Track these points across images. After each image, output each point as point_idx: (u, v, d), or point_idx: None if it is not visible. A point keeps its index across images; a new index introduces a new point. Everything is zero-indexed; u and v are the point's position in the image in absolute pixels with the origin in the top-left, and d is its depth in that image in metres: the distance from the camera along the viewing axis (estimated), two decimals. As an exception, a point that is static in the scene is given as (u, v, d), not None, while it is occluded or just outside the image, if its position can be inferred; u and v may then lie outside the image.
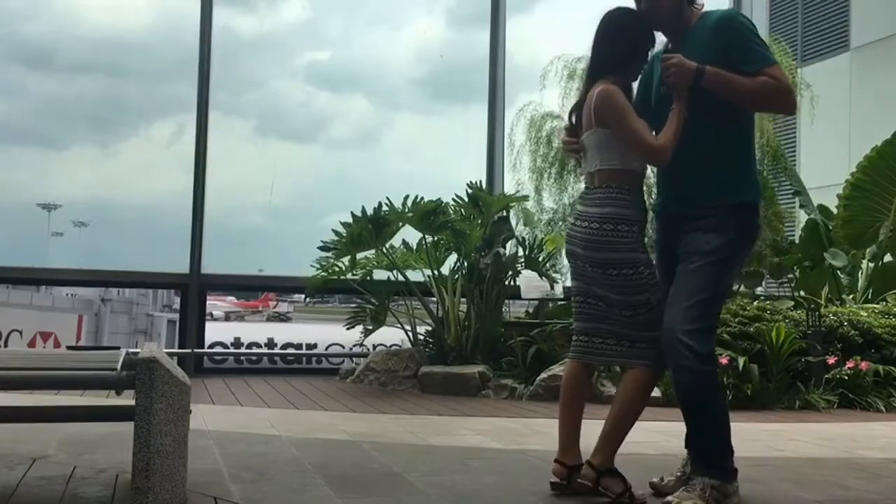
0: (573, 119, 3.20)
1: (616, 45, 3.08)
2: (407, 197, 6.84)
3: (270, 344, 8.50)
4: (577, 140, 3.16)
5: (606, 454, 3.01)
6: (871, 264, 7.77)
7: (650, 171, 3.70)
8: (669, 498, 2.88)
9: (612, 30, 3.11)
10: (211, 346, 7.74)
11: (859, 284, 7.76)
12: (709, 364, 2.97)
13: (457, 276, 6.96)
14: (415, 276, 7.25)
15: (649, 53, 3.17)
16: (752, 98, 2.96)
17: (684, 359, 2.91)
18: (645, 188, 3.31)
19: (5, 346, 10.45)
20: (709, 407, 3.03)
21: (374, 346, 7.47)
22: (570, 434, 3.10)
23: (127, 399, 2.61)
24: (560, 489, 3.04)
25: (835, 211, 8.04)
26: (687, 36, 3.07)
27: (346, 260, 7.04)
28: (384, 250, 7.00)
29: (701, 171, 3.02)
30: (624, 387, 3.19)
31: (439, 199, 6.87)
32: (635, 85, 3.23)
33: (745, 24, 3.00)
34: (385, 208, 6.82)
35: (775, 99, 2.99)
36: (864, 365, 6.03)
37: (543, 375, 6.10)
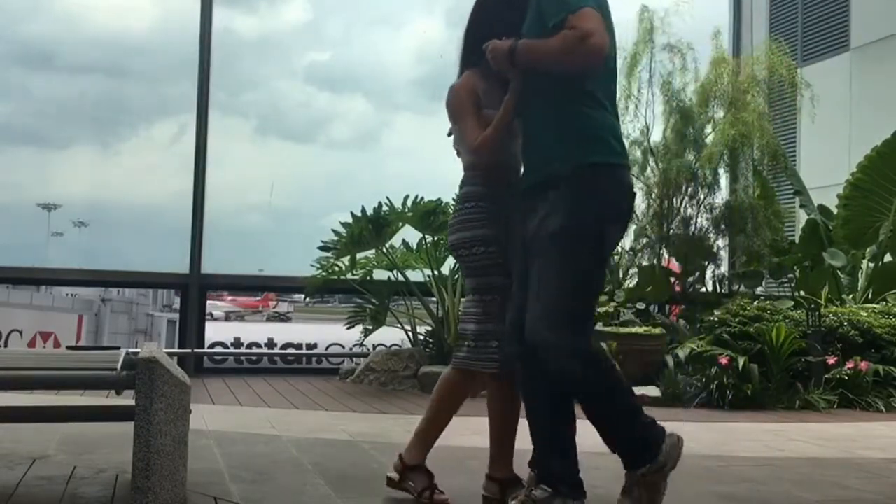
0: None
1: (479, 32, 2.92)
2: (407, 197, 6.84)
3: (270, 344, 8.50)
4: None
5: (419, 452, 2.99)
6: (871, 264, 7.77)
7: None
8: None
9: (474, 17, 3.00)
10: (211, 346, 7.74)
11: (859, 284, 7.76)
12: (578, 359, 2.57)
13: (457, 276, 6.96)
14: (415, 276, 7.25)
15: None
16: (558, 59, 2.54)
17: (554, 358, 2.58)
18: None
19: (5, 346, 10.45)
20: (597, 405, 2.65)
21: (374, 346, 7.47)
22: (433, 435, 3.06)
23: (127, 399, 2.61)
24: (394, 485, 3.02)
25: (835, 211, 8.04)
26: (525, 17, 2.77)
27: (346, 260, 7.04)
28: (384, 250, 7.00)
29: (539, 140, 2.74)
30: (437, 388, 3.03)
31: (439, 199, 6.87)
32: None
33: None
34: (385, 208, 6.82)
35: (573, 51, 2.48)
36: (863, 365, 6.03)
37: (543, 375, 6.09)
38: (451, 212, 2.95)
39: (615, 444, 2.66)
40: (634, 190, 2.89)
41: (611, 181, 2.64)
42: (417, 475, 2.98)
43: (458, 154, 3.06)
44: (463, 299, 2.89)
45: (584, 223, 2.58)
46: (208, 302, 8.54)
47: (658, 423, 2.68)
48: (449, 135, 3.10)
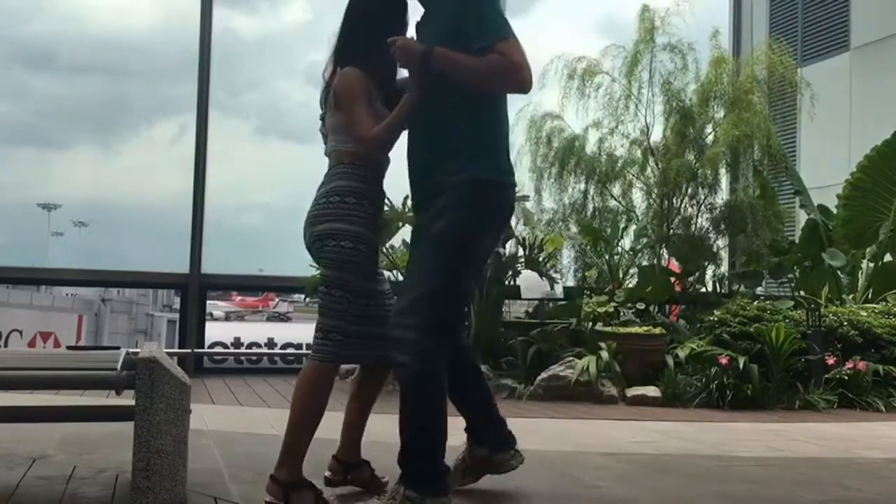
0: (321, 103, 3.02)
1: (361, 25, 2.90)
2: (407, 197, 6.83)
3: (270, 344, 8.50)
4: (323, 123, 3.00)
5: (290, 466, 2.81)
6: (871, 264, 7.77)
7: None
8: None
9: (355, 10, 2.95)
10: (211, 346, 7.74)
11: (859, 284, 7.76)
12: (418, 358, 2.65)
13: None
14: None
15: (402, 31, 2.89)
16: (480, 79, 2.69)
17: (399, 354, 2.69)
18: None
19: (5, 346, 10.46)
20: (415, 412, 2.72)
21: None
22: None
23: (127, 399, 2.61)
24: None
25: (835, 211, 8.04)
26: (427, 18, 2.89)
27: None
28: (384, 250, 6.99)
29: (432, 149, 2.82)
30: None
31: (439, 199, 6.86)
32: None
33: None
34: (385, 208, 6.81)
35: (504, 78, 2.69)
36: (861, 365, 6.03)
37: (543, 375, 6.10)
38: (317, 201, 2.86)
39: (407, 452, 2.73)
40: (513, 206, 3.06)
41: (493, 194, 2.78)
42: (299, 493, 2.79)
43: (328, 141, 2.96)
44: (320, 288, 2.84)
45: (464, 230, 2.70)
46: (208, 302, 8.55)
47: (446, 488, 2.68)
48: (322, 119, 3.02)
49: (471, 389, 3.09)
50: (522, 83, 2.71)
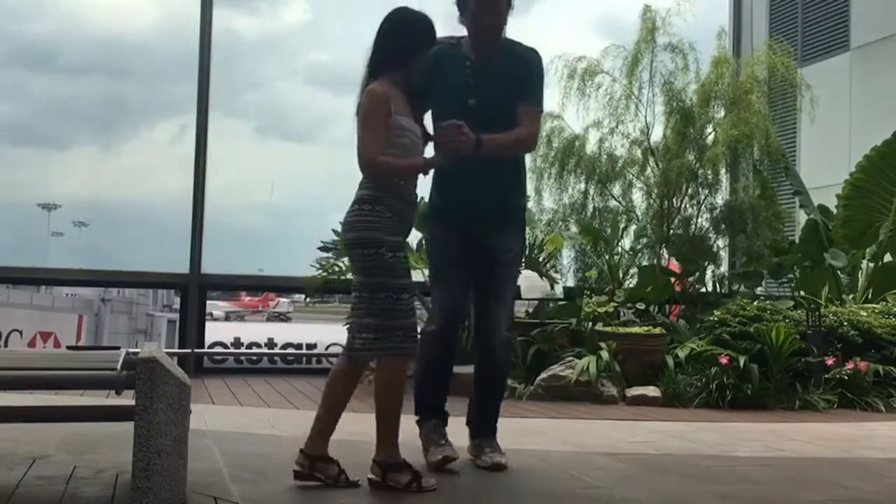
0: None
1: (398, 44, 3.18)
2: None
3: (270, 344, 8.51)
4: None
5: (387, 448, 3.08)
6: (871, 264, 7.77)
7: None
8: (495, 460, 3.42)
9: (396, 29, 3.20)
10: (211, 346, 7.74)
11: (859, 284, 7.76)
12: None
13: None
14: (415, 275, 7.22)
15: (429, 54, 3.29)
16: (509, 152, 3.52)
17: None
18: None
19: (5, 346, 10.46)
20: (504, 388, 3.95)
21: (374, 347, 7.45)
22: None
23: (127, 399, 2.61)
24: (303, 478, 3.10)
25: (835, 211, 8.04)
26: (492, 60, 3.49)
27: (346, 260, 7.03)
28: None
29: (503, 178, 3.65)
30: (377, 380, 3.17)
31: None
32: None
33: (542, 68, 3.61)
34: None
35: (523, 148, 3.69)
36: (861, 365, 6.02)
37: (543, 375, 6.10)
38: (349, 208, 3.15)
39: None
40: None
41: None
42: (326, 465, 3.09)
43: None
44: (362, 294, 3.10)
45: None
46: (208, 302, 8.55)
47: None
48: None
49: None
50: (532, 148, 4.13)
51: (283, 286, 9.67)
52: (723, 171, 7.63)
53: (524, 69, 3.50)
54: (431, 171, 3.39)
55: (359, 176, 3.16)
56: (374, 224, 3.06)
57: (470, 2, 3.46)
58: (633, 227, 7.79)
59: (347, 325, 3.35)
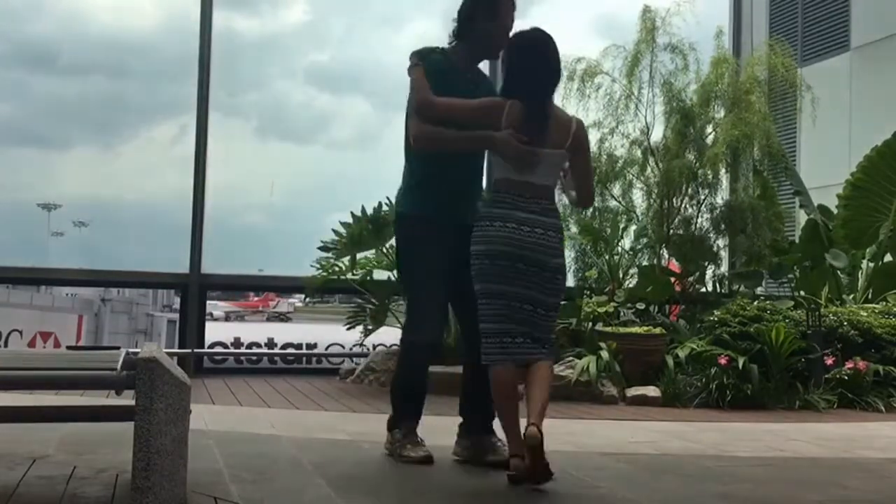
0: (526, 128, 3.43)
1: (549, 66, 3.57)
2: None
3: (270, 344, 8.50)
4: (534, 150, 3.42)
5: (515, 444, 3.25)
6: (871, 264, 7.77)
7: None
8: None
9: (548, 52, 3.51)
10: (211, 346, 7.73)
11: (859, 284, 7.76)
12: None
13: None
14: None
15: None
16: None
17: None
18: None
19: (5, 346, 10.45)
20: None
21: (374, 346, 7.46)
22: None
23: (127, 399, 2.61)
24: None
25: (835, 211, 8.03)
26: (475, 71, 3.78)
27: (346, 260, 7.04)
28: (384, 250, 6.99)
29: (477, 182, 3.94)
30: (541, 374, 3.34)
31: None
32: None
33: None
34: (385, 208, 6.81)
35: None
36: (861, 365, 6.02)
37: (543, 375, 6.09)
38: (552, 236, 3.47)
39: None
40: None
41: (403, 228, 3.99)
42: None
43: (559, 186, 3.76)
44: (550, 313, 3.47)
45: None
46: (208, 302, 8.55)
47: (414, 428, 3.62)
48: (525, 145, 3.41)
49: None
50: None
51: (283, 286, 9.66)
52: (723, 171, 7.63)
53: (490, 81, 3.94)
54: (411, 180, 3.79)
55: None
56: (478, 238, 3.46)
57: (502, 8, 3.54)
58: (633, 227, 7.79)
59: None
